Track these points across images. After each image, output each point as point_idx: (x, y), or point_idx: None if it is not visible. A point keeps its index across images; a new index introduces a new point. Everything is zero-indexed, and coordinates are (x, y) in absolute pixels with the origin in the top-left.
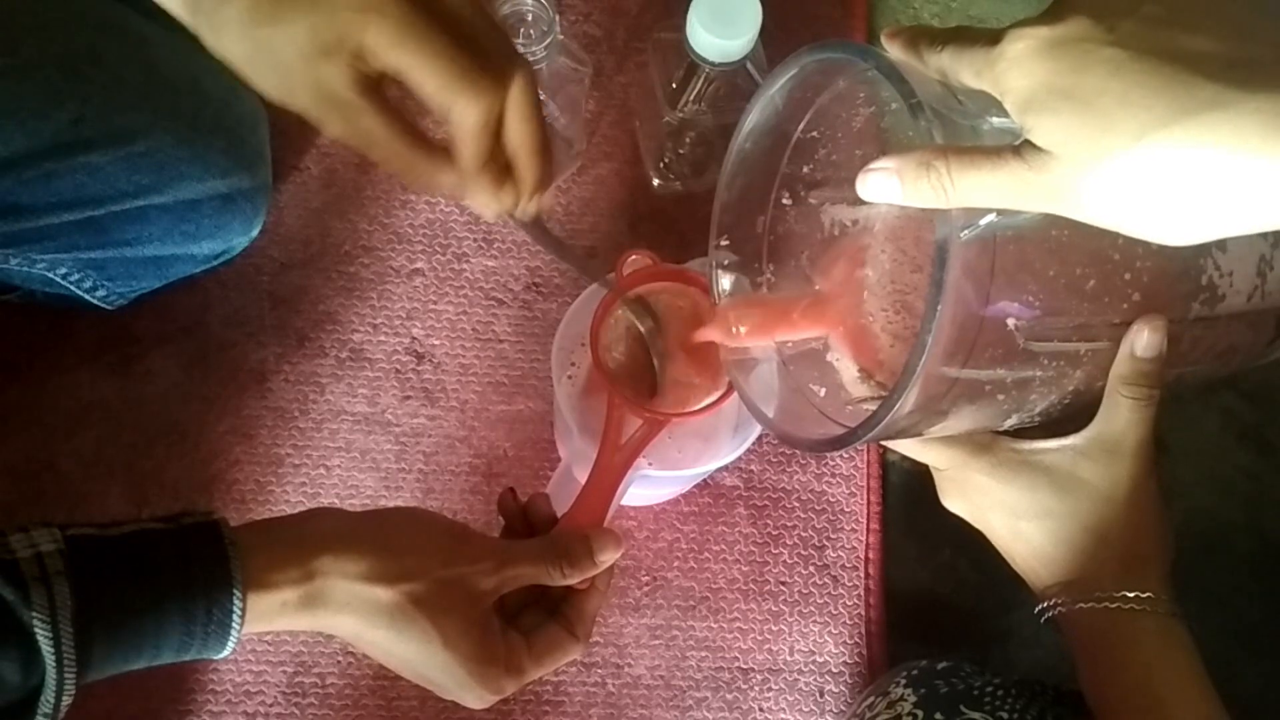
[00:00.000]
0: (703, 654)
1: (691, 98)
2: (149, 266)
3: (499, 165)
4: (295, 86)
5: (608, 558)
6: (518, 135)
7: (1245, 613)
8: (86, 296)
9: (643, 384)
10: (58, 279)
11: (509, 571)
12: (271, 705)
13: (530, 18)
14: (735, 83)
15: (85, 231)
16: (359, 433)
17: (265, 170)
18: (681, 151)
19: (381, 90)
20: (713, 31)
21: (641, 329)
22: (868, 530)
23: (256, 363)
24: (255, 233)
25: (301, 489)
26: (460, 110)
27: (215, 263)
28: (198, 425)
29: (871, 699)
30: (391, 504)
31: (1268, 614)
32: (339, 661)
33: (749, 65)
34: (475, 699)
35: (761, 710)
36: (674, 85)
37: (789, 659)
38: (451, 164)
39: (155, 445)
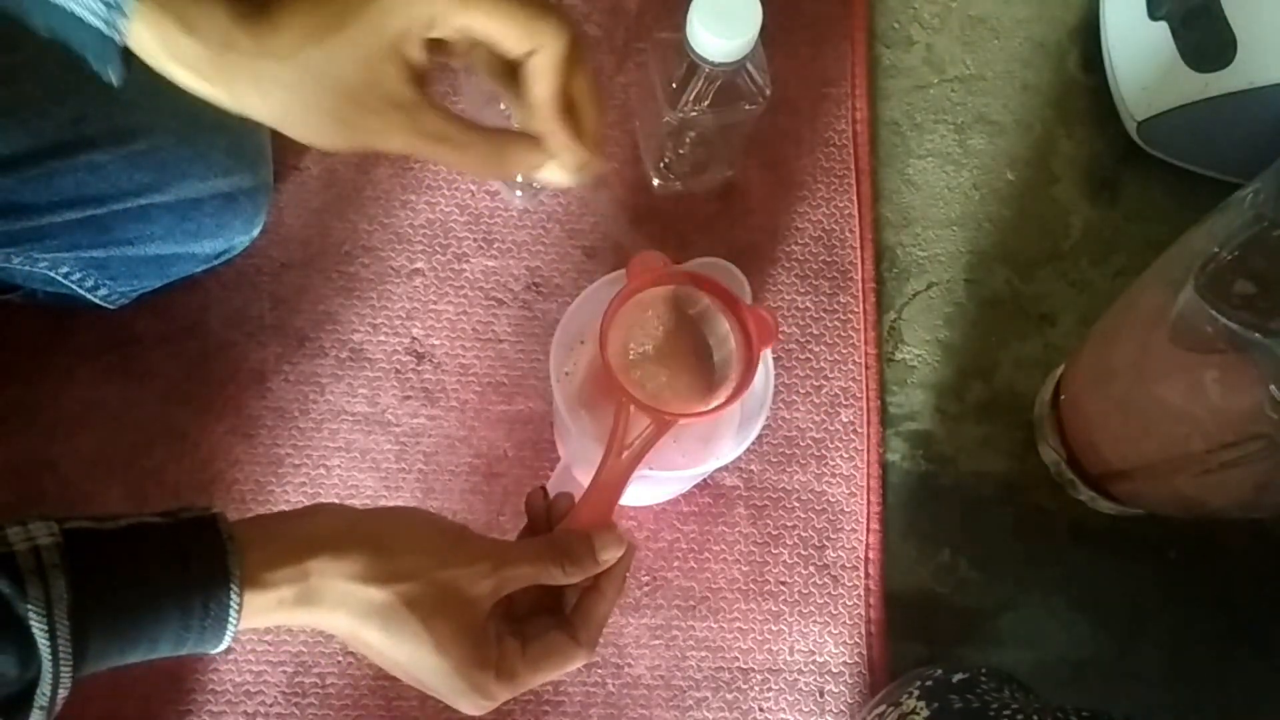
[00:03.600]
0: (703, 654)
1: (691, 98)
2: (151, 265)
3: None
4: (353, 105)
5: (610, 556)
6: (581, 80)
7: (1245, 613)
8: (88, 296)
9: (683, 374)
10: (60, 278)
11: (507, 572)
12: (271, 705)
13: None
14: (735, 83)
15: (87, 230)
16: (359, 433)
17: (267, 169)
18: (681, 151)
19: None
20: (713, 31)
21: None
22: (868, 530)
23: (256, 363)
24: (256, 232)
25: (301, 489)
26: (549, 40)
27: (216, 262)
28: (198, 425)
29: (883, 707)
30: (392, 504)
31: (1268, 614)
32: (339, 661)
33: (749, 65)
34: (469, 705)
35: (761, 710)
36: (674, 85)
37: (789, 659)
38: (519, 139)
39: (155, 445)
